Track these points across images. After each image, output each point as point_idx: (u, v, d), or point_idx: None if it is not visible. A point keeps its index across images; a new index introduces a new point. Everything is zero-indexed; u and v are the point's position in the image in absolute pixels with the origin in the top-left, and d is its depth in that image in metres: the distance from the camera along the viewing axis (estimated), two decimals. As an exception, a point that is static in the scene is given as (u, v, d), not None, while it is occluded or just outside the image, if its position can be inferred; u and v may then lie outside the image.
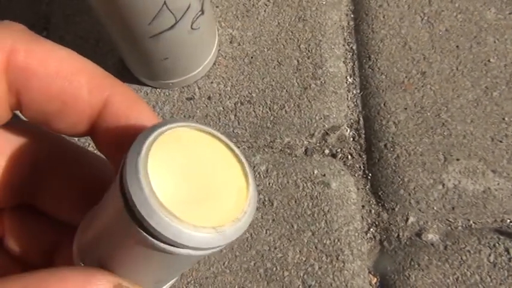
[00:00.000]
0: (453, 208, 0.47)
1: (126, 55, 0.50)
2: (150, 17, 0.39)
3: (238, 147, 0.26)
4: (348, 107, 0.53)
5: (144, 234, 0.17)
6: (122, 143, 0.21)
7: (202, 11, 0.43)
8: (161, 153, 0.21)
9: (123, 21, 0.40)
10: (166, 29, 0.41)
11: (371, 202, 0.49)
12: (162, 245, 0.17)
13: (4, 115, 0.21)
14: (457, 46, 0.53)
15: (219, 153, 0.22)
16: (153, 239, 0.17)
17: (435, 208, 0.47)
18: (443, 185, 0.48)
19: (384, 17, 0.55)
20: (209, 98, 0.52)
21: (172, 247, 0.18)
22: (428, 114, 0.51)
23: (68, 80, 0.21)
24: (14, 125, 0.23)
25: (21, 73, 0.20)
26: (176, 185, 0.20)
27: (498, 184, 0.48)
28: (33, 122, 0.22)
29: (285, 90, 0.52)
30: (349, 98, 0.53)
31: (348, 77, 0.54)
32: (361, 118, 0.52)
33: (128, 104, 0.22)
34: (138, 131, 0.22)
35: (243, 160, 0.21)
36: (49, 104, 0.21)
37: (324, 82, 0.52)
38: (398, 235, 0.47)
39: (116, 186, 0.19)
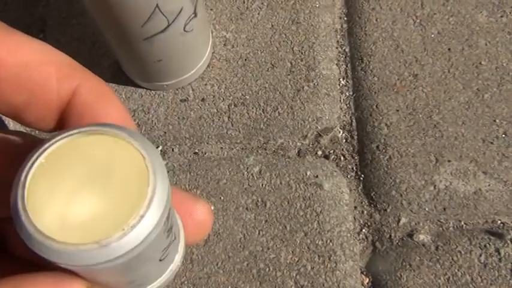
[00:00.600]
0: (444, 209, 0.48)
1: (121, 57, 0.51)
2: (143, 20, 0.40)
3: (157, 147, 0.25)
4: (341, 108, 0.53)
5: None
6: None
7: (195, 14, 0.44)
8: (45, 172, 0.20)
9: (117, 23, 0.41)
10: (159, 31, 0.42)
11: (363, 203, 0.49)
12: (58, 264, 0.17)
13: None
14: (449, 49, 0.54)
15: (115, 155, 0.21)
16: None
17: (427, 209, 0.48)
18: (435, 186, 0.48)
19: (376, 20, 0.55)
20: (203, 99, 0.53)
21: (69, 265, 0.18)
22: (420, 116, 0.51)
23: (37, 70, 0.21)
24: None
25: None
26: (60, 204, 0.20)
27: (489, 185, 0.48)
28: (5, 115, 0.22)
29: (278, 92, 0.53)
30: (341, 100, 0.53)
31: (341, 79, 0.54)
32: (353, 120, 0.52)
33: (96, 95, 0.22)
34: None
35: (147, 156, 0.20)
36: (18, 95, 0.21)
37: (317, 84, 0.53)
38: (390, 236, 0.48)
39: None
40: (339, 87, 0.54)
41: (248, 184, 0.49)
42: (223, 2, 0.57)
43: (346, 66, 0.55)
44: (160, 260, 0.24)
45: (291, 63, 0.54)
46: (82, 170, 0.21)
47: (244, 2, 0.56)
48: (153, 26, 0.41)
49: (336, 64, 0.55)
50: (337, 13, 0.57)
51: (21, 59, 0.21)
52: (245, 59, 0.54)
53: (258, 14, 0.56)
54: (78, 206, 0.20)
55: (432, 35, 0.54)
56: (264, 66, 0.54)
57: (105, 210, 0.19)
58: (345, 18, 0.57)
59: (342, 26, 0.57)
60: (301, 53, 0.54)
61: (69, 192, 0.20)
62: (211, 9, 0.56)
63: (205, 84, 0.53)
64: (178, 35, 0.44)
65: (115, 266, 0.18)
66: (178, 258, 0.25)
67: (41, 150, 0.20)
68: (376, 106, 0.52)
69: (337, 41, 0.56)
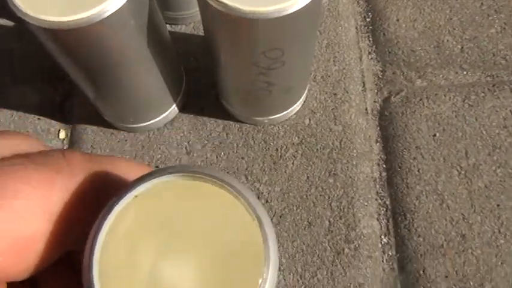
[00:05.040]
0: None
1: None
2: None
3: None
4: (384, 270, 0.51)
5: None
6: None
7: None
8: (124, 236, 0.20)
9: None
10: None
11: None
12: None
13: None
14: (498, 205, 0.52)
15: (220, 214, 0.20)
16: None
17: None
18: None
19: (418, 170, 0.54)
20: (236, 263, 0.51)
21: None
22: (471, 283, 0.49)
23: None
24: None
25: None
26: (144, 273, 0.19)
27: None
28: None
29: (316, 256, 0.51)
30: (384, 261, 0.52)
31: (383, 236, 0.53)
32: (398, 284, 0.51)
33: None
34: None
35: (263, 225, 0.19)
36: None
37: (358, 246, 0.51)
38: None
39: None
40: (380, 245, 0.52)
41: None
42: (254, 150, 0.56)
43: (388, 221, 0.53)
44: None
45: (329, 222, 0.52)
46: (173, 228, 0.20)
47: (277, 150, 0.56)
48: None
49: (377, 219, 0.53)
50: (375, 160, 0.56)
51: None
52: (280, 216, 0.53)
53: (293, 163, 0.55)
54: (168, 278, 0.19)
55: (479, 189, 0.53)
56: (301, 224, 0.52)
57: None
58: (384, 166, 0.56)
59: (381, 174, 0.56)
60: (340, 209, 0.53)
61: (155, 256, 0.19)
62: (242, 158, 0.56)
63: (238, 245, 0.52)
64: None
65: None
66: None
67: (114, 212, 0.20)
68: (423, 271, 0.50)
69: (377, 192, 0.55)
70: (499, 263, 0.50)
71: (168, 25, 0.62)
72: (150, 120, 0.54)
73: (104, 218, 0.20)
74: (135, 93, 0.48)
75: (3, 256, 0.21)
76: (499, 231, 0.51)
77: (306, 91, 0.57)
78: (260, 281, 0.19)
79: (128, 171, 0.28)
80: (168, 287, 0.19)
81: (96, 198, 0.26)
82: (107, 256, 0.19)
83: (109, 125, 0.57)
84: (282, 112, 0.55)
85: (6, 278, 0.22)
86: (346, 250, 0.51)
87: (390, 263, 0.52)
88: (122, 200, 0.20)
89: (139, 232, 0.20)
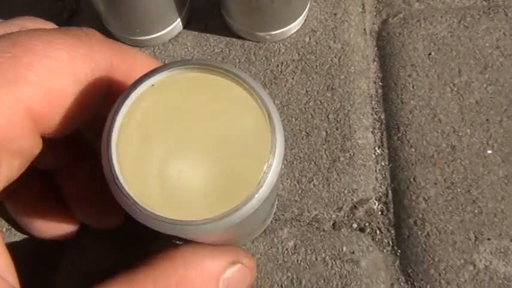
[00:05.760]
0: (484, 290, 0.49)
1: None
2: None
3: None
4: (377, 179, 0.54)
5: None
6: None
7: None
8: (137, 125, 0.21)
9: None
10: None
11: (400, 280, 0.51)
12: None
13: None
14: (487, 119, 0.55)
15: (227, 103, 0.21)
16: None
17: (466, 290, 0.49)
18: (475, 265, 0.50)
19: (413, 87, 0.57)
20: (237, 168, 0.54)
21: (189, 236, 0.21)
22: (459, 190, 0.52)
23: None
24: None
25: None
26: (158, 162, 0.20)
27: (530, 266, 0.49)
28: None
29: (313, 163, 0.54)
30: (377, 170, 0.55)
31: (376, 148, 0.56)
32: (389, 191, 0.54)
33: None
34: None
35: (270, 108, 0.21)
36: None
37: (353, 155, 0.54)
38: (428, 316, 0.49)
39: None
40: (374, 156, 0.55)
41: (283, 260, 0.51)
42: (256, 65, 0.58)
43: (382, 134, 0.56)
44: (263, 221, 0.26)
45: (326, 132, 0.55)
46: (187, 117, 0.21)
47: (278, 66, 0.58)
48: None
49: (371, 132, 0.56)
50: (372, 77, 0.59)
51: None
52: (279, 126, 0.56)
53: (292, 78, 0.58)
54: (181, 165, 0.20)
55: (470, 105, 0.56)
56: (299, 134, 0.55)
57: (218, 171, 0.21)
58: (380, 83, 0.59)
59: (377, 91, 0.58)
60: (337, 121, 0.56)
61: (168, 143, 0.20)
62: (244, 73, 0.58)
63: (239, 152, 0.55)
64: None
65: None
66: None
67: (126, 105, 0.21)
68: (414, 179, 0.53)
69: (372, 108, 0.57)
70: (486, 172, 0.53)
71: None
72: (155, 33, 0.56)
73: (122, 102, 0.21)
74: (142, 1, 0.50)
75: (40, 104, 0.24)
76: (487, 143, 0.54)
77: (307, 10, 0.59)
78: (265, 166, 0.21)
79: (143, 63, 0.31)
80: (177, 173, 0.21)
81: (112, 77, 0.28)
82: (123, 139, 0.21)
83: (116, 40, 0.59)
84: (283, 28, 0.57)
85: (42, 129, 0.26)
86: (342, 158, 0.54)
87: (383, 172, 0.55)
88: (140, 87, 0.21)
89: (154, 119, 0.21)
